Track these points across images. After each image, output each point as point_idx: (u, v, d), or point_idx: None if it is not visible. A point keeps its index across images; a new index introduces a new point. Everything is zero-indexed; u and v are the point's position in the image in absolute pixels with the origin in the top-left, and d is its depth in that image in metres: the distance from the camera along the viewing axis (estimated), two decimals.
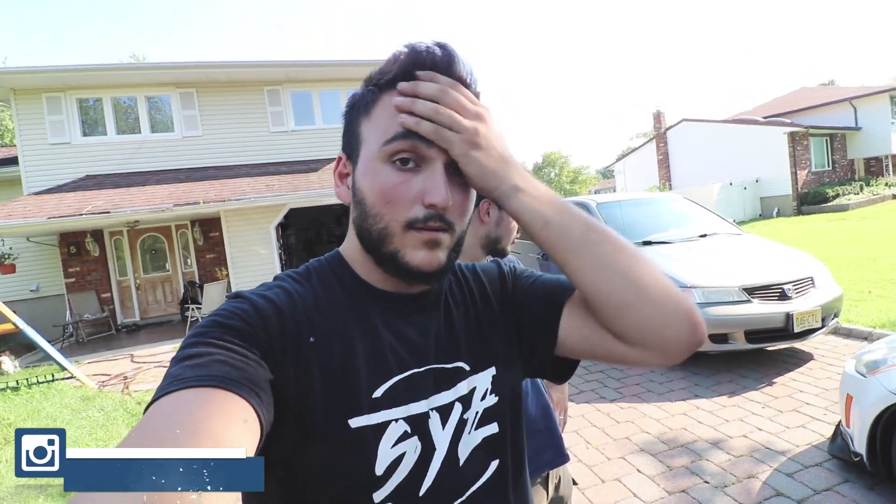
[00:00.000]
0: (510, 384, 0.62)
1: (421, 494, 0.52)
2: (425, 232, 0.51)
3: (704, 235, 4.86)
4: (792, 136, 16.27)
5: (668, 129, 20.75)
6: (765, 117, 19.46)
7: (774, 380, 3.55)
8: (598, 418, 3.24)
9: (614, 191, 28.62)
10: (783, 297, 3.71)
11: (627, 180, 23.71)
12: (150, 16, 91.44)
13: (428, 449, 0.53)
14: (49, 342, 5.76)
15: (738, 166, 17.43)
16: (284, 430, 0.47)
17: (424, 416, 0.54)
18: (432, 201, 0.50)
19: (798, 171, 16.36)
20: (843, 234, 10.15)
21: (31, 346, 6.17)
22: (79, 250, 8.81)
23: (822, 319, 3.75)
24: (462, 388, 0.57)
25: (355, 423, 0.49)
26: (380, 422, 0.51)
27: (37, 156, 8.61)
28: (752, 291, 3.72)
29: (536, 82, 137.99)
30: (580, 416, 3.31)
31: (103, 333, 8.63)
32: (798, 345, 4.08)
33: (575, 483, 1.46)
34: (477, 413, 0.58)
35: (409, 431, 0.52)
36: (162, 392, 0.40)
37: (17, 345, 7.20)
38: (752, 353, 3.92)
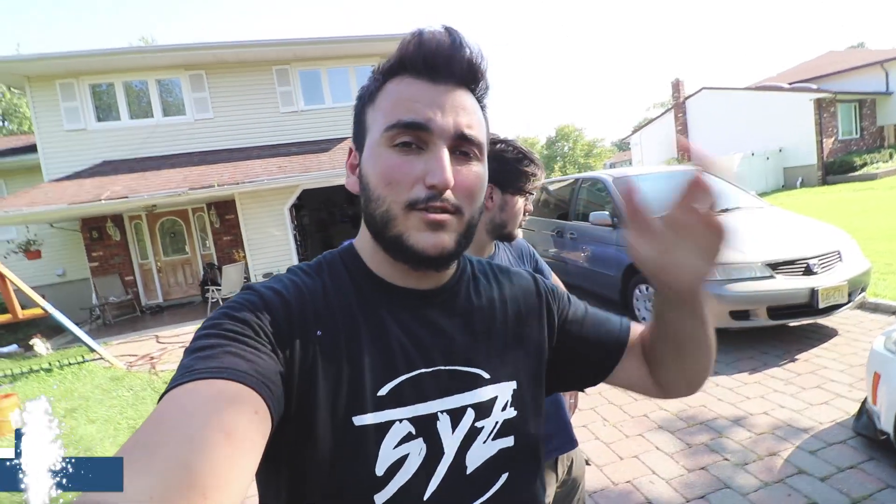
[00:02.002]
0: (531, 400, 0.61)
1: (425, 499, 0.50)
2: (428, 213, 0.50)
3: (725, 210, 4.73)
4: (818, 102, 15.59)
5: (687, 98, 20.08)
6: (790, 83, 18.67)
7: (797, 356, 3.49)
8: (616, 396, 3.24)
9: (630, 164, 27.98)
10: (808, 271, 3.61)
11: (644, 152, 23.14)
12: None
13: (435, 452, 0.51)
14: (77, 325, 5.94)
15: (761, 136, 16.83)
16: (289, 424, 0.46)
17: (432, 418, 0.52)
18: (433, 181, 0.49)
19: (824, 140, 15.74)
20: (870, 205, 9.81)
21: (60, 329, 6.39)
22: (101, 235, 9.01)
23: (849, 294, 3.65)
24: (480, 395, 0.56)
25: (359, 420, 0.48)
26: (383, 421, 0.49)
27: (54, 142, 8.73)
28: (775, 267, 3.63)
29: (548, 52, 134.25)
30: (597, 393, 3.31)
31: (128, 315, 8.88)
32: (822, 320, 3.99)
33: (588, 463, 1.46)
34: (497, 423, 0.56)
35: (414, 433, 0.50)
36: (175, 383, 0.41)
37: (47, 328, 7.47)
38: (775, 329, 3.85)
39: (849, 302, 3.68)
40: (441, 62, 0.51)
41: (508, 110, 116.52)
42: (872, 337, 3.37)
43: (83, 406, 4.23)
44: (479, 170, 0.54)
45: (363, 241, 0.59)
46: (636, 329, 0.69)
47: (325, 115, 9.92)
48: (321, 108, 9.93)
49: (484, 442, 0.55)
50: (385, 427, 0.49)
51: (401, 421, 0.50)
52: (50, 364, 5.74)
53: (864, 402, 2.39)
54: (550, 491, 1.24)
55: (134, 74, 9.09)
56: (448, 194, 0.50)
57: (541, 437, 0.61)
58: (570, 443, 1.28)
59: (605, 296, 5.19)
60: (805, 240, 3.90)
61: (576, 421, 2.92)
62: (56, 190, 7.72)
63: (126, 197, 7.12)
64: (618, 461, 2.51)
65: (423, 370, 0.53)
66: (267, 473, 0.49)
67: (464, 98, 0.53)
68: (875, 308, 4.20)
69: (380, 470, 0.48)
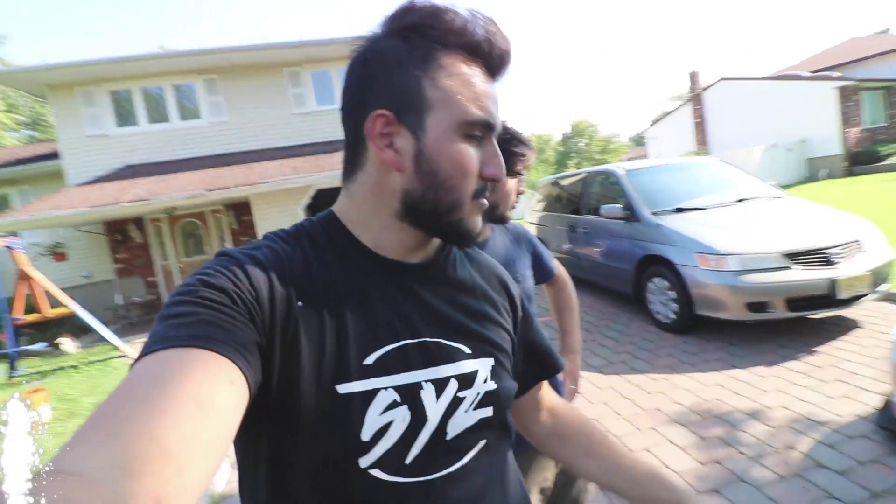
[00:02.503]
0: (505, 377, 0.63)
1: (407, 462, 0.51)
2: (481, 200, 0.57)
3: (742, 200, 4.63)
4: (842, 90, 15.11)
5: (704, 89, 19.67)
6: (811, 72, 18.14)
7: (817, 349, 3.39)
8: (629, 389, 3.20)
9: (647, 158, 27.55)
10: (827, 262, 3.51)
11: (661, 147, 22.75)
12: (175, 7, 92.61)
13: (418, 419, 0.52)
14: (103, 324, 6.12)
15: (782, 127, 16.39)
16: (271, 394, 0.46)
17: (417, 387, 0.53)
18: (494, 174, 0.55)
19: (848, 129, 15.25)
20: None
21: (87, 329, 6.58)
22: (123, 237, 9.26)
23: (873, 285, 3.54)
24: (462, 367, 0.57)
25: (343, 388, 0.49)
26: (369, 388, 0.50)
27: (76, 148, 8.99)
28: (793, 257, 3.54)
29: (561, 47, 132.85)
30: (609, 387, 3.28)
31: (152, 315, 9.10)
32: (844, 312, 3.88)
33: None
34: (479, 394, 0.57)
35: (399, 400, 0.51)
36: (146, 351, 0.40)
37: (74, 327, 7.70)
38: (794, 321, 3.75)
39: (872, 293, 3.56)
40: (506, 65, 0.56)
41: (519, 104, 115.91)
42: None
43: None
44: None
45: (351, 211, 0.58)
46: (549, 393, 0.79)
47: (338, 115, 9.88)
48: (333, 109, 10.02)
49: (465, 411, 0.56)
50: (371, 394, 0.49)
51: (386, 389, 0.50)
52: (77, 361, 5.93)
53: (888, 396, 2.32)
54: (550, 475, 1.24)
55: (151, 80, 9.30)
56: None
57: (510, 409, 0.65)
58: None
59: (618, 290, 5.13)
60: (824, 229, 3.79)
61: (587, 414, 2.91)
62: (79, 194, 7.96)
63: (146, 199, 7.30)
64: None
65: (408, 341, 0.54)
66: (246, 441, 0.50)
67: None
68: None
69: (366, 435, 0.48)
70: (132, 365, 0.40)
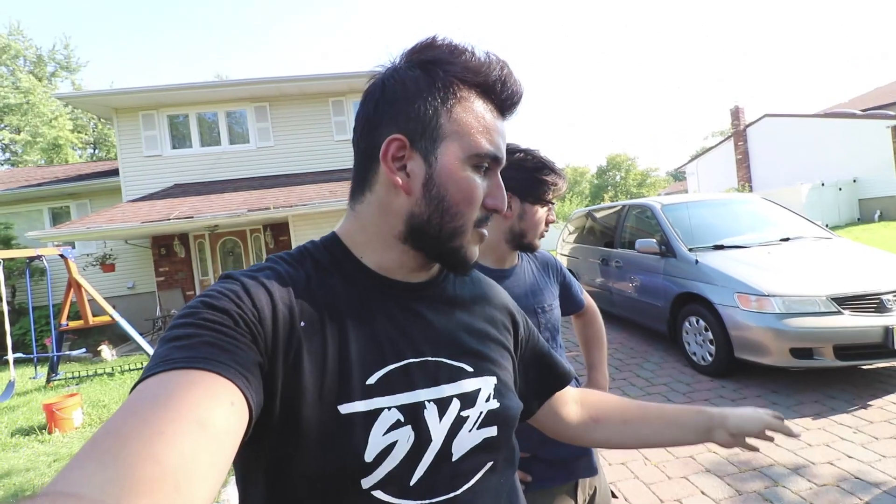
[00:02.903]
0: (509, 396, 0.63)
1: (412, 484, 0.50)
2: (480, 229, 0.59)
3: (787, 239, 4.43)
4: None
5: (748, 125, 19.22)
6: (863, 110, 17.45)
7: (870, 402, 3.14)
8: None
9: (686, 193, 26.89)
10: (881, 308, 3.28)
11: (701, 182, 22.20)
12: (232, 36, 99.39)
13: (423, 439, 0.52)
14: (140, 334, 6.37)
15: (831, 165, 15.73)
16: (273, 414, 0.46)
17: (419, 407, 0.53)
18: (496, 205, 0.59)
19: None
20: None
21: (125, 337, 6.86)
22: (168, 252, 9.71)
23: None
24: (464, 386, 0.57)
25: (345, 409, 0.49)
26: (372, 409, 0.50)
27: (133, 167, 9.63)
28: (842, 302, 3.33)
29: (601, 79, 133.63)
30: None
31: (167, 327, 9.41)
32: None
33: (614, 495, 1.37)
34: (482, 413, 0.57)
35: (403, 420, 0.51)
36: (149, 373, 0.40)
37: (114, 336, 8.05)
38: (844, 370, 3.50)
39: None
40: (516, 105, 0.60)
41: (558, 136, 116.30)
42: None
43: None
44: None
45: (354, 233, 0.59)
46: (570, 390, 0.80)
47: None
48: None
49: (469, 431, 0.55)
50: (374, 414, 0.49)
51: (389, 409, 0.50)
52: (113, 369, 6.16)
53: None
54: None
55: (206, 107, 9.94)
56: None
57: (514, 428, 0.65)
58: (591, 468, 1.22)
59: (652, 328, 4.95)
60: (877, 273, 3.56)
61: (615, 457, 2.78)
62: (132, 209, 8.46)
63: (191, 217, 7.67)
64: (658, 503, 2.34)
65: (410, 360, 0.54)
66: (248, 459, 0.50)
67: None
68: None
69: (369, 456, 0.48)
70: (134, 386, 0.40)
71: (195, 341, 0.42)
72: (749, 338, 3.54)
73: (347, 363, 0.50)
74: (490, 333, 0.65)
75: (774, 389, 3.49)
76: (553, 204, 1.27)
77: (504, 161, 0.59)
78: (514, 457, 0.64)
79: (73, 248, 6.29)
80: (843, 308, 3.30)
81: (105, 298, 6.30)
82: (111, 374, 5.94)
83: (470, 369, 0.58)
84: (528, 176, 1.19)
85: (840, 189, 15.27)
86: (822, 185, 15.07)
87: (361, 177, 0.59)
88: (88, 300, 5.89)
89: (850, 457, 2.53)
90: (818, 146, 16.35)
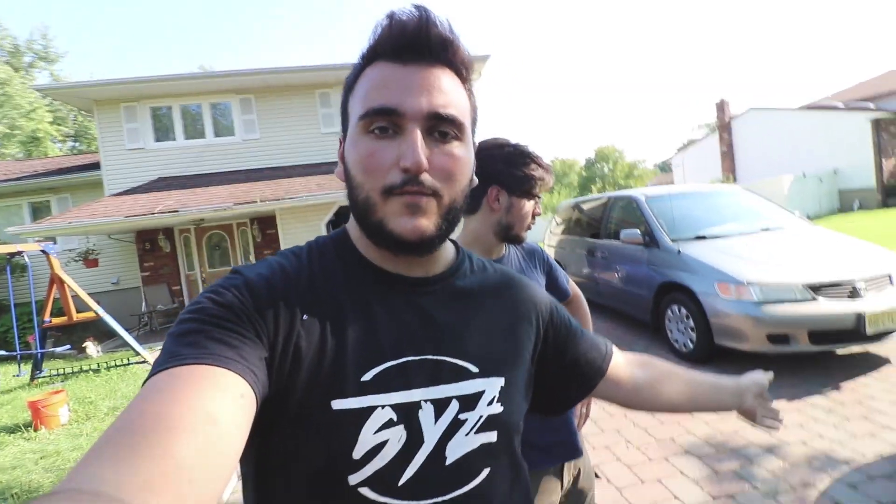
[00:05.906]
0: (516, 399, 0.60)
1: (400, 484, 0.49)
2: (404, 196, 0.50)
3: (766, 229, 4.54)
4: (877, 122, 14.77)
5: (733, 118, 19.48)
6: (845, 103, 17.78)
7: (842, 384, 3.25)
8: (642, 418, 3.12)
9: (672, 185, 27.17)
10: (854, 294, 3.39)
11: (687, 174, 22.50)
12: (217, 31, 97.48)
13: (415, 440, 0.51)
14: (126, 330, 6.30)
15: (813, 157, 16.06)
16: (267, 406, 0.46)
17: (415, 406, 0.51)
18: (405, 164, 0.49)
19: (884, 161, 14.82)
20: None
21: (111, 333, 6.79)
22: (152, 247, 9.58)
23: None
24: (465, 388, 0.55)
25: (338, 405, 0.48)
26: (365, 406, 0.49)
27: (116, 160, 9.46)
28: (817, 289, 3.43)
29: (588, 72, 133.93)
30: (622, 415, 3.20)
31: (174, 322, 9.32)
32: (872, 348, 3.72)
33: (597, 475, 1.42)
34: (481, 417, 0.55)
35: (395, 420, 0.50)
36: (158, 368, 0.41)
37: (99, 332, 7.95)
38: (818, 355, 3.61)
39: None
40: (409, 42, 0.50)
41: (547, 129, 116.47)
42: None
43: (124, 405, 4.46)
44: (458, 150, 0.53)
45: (352, 226, 0.59)
46: (618, 358, 0.74)
47: None
48: None
49: (466, 434, 0.53)
50: (367, 412, 0.49)
51: (383, 407, 0.49)
52: (98, 365, 6.11)
53: None
54: (555, 498, 1.22)
55: (190, 98, 9.78)
56: (425, 177, 0.50)
57: (519, 435, 0.62)
58: (576, 451, 1.26)
59: (636, 317, 5.04)
60: (851, 261, 3.68)
61: (598, 441, 2.86)
62: (114, 204, 8.32)
63: (176, 211, 7.58)
64: (639, 484, 2.41)
65: (410, 358, 0.52)
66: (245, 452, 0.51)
67: (438, 77, 0.52)
68: None
69: (357, 454, 0.48)
70: (144, 382, 0.41)
71: (202, 337, 0.43)
72: (728, 325, 3.64)
73: (344, 359, 0.50)
74: (505, 330, 0.61)
75: None
76: (540, 198, 1.30)
77: (408, 109, 0.50)
78: (519, 466, 0.60)
79: (55, 243, 6.16)
80: (818, 295, 3.41)
81: (89, 294, 6.22)
82: (97, 371, 5.88)
83: (475, 369, 0.56)
84: (516, 170, 1.22)
85: (821, 180, 15.61)
86: (804, 176, 15.39)
87: None
88: (72, 296, 5.81)
89: (821, 436, 2.63)
90: (801, 139, 16.67)
